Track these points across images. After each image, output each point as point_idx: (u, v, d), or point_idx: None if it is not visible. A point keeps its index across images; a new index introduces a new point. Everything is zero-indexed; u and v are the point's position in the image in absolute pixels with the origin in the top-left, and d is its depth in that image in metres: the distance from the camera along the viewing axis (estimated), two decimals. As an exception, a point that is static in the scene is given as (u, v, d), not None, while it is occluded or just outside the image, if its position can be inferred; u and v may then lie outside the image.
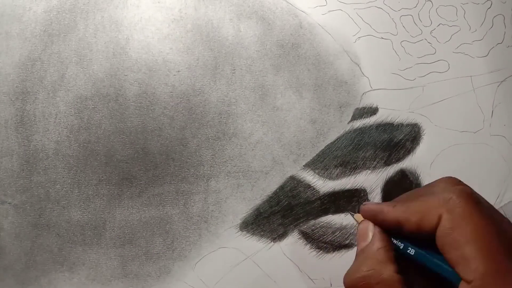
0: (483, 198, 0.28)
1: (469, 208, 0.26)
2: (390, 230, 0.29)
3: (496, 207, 0.39)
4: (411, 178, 0.38)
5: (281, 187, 0.37)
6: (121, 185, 0.36)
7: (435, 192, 0.28)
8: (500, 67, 0.41)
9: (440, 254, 0.26)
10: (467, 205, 0.26)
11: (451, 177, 0.29)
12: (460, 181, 0.29)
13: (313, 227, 0.37)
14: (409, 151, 0.39)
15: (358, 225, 0.31)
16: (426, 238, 0.27)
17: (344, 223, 0.37)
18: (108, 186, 0.36)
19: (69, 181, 0.36)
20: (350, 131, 0.38)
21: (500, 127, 0.40)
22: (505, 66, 0.41)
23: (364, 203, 0.32)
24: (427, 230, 0.27)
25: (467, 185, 0.28)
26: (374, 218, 0.30)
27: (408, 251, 0.28)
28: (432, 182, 0.29)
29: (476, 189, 0.37)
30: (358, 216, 0.31)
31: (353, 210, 0.37)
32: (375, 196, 0.38)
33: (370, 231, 0.30)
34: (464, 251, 0.25)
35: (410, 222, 0.27)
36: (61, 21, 0.37)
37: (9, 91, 0.36)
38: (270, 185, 0.37)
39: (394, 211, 0.28)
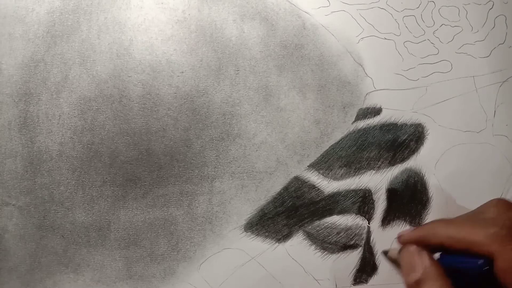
0: None
1: None
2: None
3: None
4: (416, 178, 0.38)
5: (286, 188, 0.37)
6: (125, 187, 0.36)
7: (485, 219, 0.27)
8: (502, 67, 0.41)
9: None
10: None
11: (501, 200, 0.28)
12: (510, 205, 0.28)
13: (318, 228, 0.37)
14: (413, 151, 0.39)
15: (403, 252, 0.29)
16: None
17: (349, 224, 0.37)
18: (112, 188, 0.36)
19: (73, 182, 0.36)
20: (354, 132, 0.38)
21: (502, 127, 0.40)
22: (507, 66, 0.41)
23: (399, 235, 0.30)
24: (478, 256, 0.26)
25: None
26: (416, 243, 0.28)
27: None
28: (482, 206, 0.29)
29: (479, 188, 0.37)
30: (393, 252, 0.30)
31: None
32: (380, 197, 0.38)
33: (418, 260, 0.28)
34: None
35: (456, 249, 0.27)
36: (64, 22, 0.37)
37: (12, 92, 0.36)
38: (275, 185, 0.37)
39: (438, 237, 0.27)
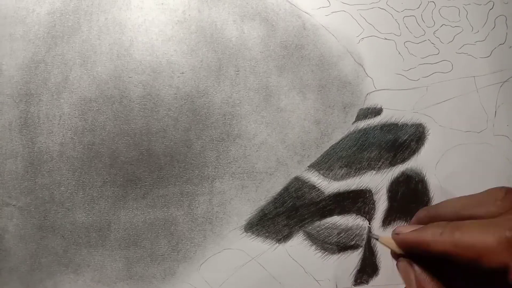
0: None
1: None
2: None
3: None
4: (416, 179, 0.38)
5: (286, 188, 0.37)
6: (126, 187, 0.36)
7: (494, 218, 0.24)
8: (503, 67, 0.41)
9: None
10: None
11: (506, 190, 0.25)
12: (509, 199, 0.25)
13: (318, 228, 0.37)
14: (414, 151, 0.39)
15: (399, 266, 0.27)
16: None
17: (350, 225, 0.37)
18: (112, 188, 0.36)
19: (74, 183, 0.36)
20: (355, 132, 0.38)
21: (503, 127, 0.40)
22: (507, 66, 0.41)
23: (396, 230, 0.27)
24: (485, 269, 0.23)
25: None
26: (414, 249, 0.26)
27: None
28: (485, 196, 0.25)
29: (480, 189, 0.37)
30: (387, 240, 0.28)
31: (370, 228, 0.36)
32: (381, 197, 0.38)
33: (412, 274, 0.26)
34: None
35: (463, 258, 0.23)
36: (64, 23, 0.37)
37: (13, 93, 0.36)
38: (275, 186, 0.37)
39: (442, 243, 0.24)
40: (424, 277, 0.26)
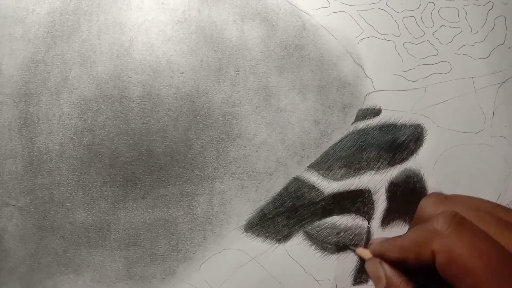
0: (466, 209, 0.28)
1: (457, 235, 0.26)
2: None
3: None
4: (415, 179, 0.39)
5: (286, 188, 0.37)
6: (126, 187, 0.36)
7: (423, 221, 0.28)
8: (501, 68, 0.41)
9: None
10: (454, 231, 0.26)
11: (432, 195, 0.30)
12: (442, 198, 0.30)
13: (318, 228, 0.37)
14: (412, 151, 0.39)
15: (367, 265, 0.32)
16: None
17: (349, 224, 0.37)
18: (112, 188, 0.36)
19: (73, 183, 0.36)
20: (354, 132, 0.39)
21: (501, 128, 0.40)
22: (506, 67, 0.41)
23: (370, 242, 0.33)
24: (428, 264, 0.27)
25: (450, 200, 0.29)
26: (381, 258, 0.31)
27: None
28: (419, 206, 0.31)
29: (478, 189, 0.37)
30: (363, 252, 0.33)
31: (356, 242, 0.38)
32: (380, 197, 0.38)
33: (381, 271, 0.30)
34: (467, 280, 0.25)
35: (411, 259, 0.28)
36: (64, 22, 0.37)
37: (12, 93, 0.36)
38: (275, 186, 0.37)
39: (394, 251, 0.29)
40: (393, 273, 0.29)
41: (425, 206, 0.30)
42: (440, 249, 0.26)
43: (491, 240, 0.26)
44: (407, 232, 0.30)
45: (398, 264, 0.29)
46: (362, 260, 0.35)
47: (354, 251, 0.35)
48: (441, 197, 0.30)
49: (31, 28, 0.37)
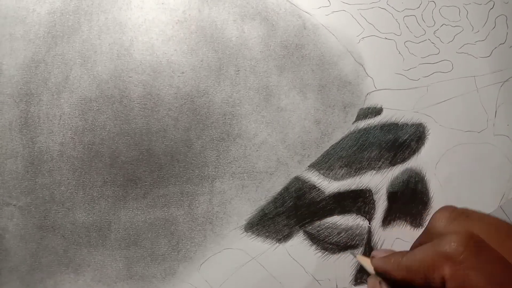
0: (482, 238, 0.24)
1: (473, 262, 0.23)
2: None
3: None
4: (416, 179, 0.38)
5: (286, 188, 0.37)
6: (126, 187, 0.36)
7: (434, 236, 0.26)
8: (503, 67, 0.41)
9: None
10: (469, 257, 0.23)
11: (446, 209, 0.27)
12: (456, 213, 0.27)
13: (319, 228, 0.37)
14: (414, 151, 0.39)
15: (368, 282, 0.30)
16: None
17: (350, 224, 0.37)
18: (113, 188, 0.36)
19: (74, 182, 0.36)
20: (355, 132, 0.38)
21: (503, 127, 0.40)
22: (507, 66, 0.41)
23: (373, 254, 0.30)
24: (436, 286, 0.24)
25: (466, 218, 0.26)
26: (383, 274, 0.28)
27: None
28: (431, 220, 0.27)
29: (480, 188, 0.37)
30: (364, 260, 0.31)
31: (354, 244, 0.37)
32: (381, 197, 0.38)
33: None
34: None
35: (417, 282, 0.25)
36: (65, 22, 0.37)
37: (13, 93, 0.36)
38: (275, 186, 0.37)
39: (400, 271, 0.26)
40: None
41: (437, 221, 0.27)
42: (452, 276, 0.23)
43: (506, 268, 0.23)
44: (415, 248, 0.27)
45: (403, 284, 0.27)
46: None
47: (354, 256, 0.35)
48: (456, 212, 0.27)
49: (31, 28, 0.37)
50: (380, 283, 0.29)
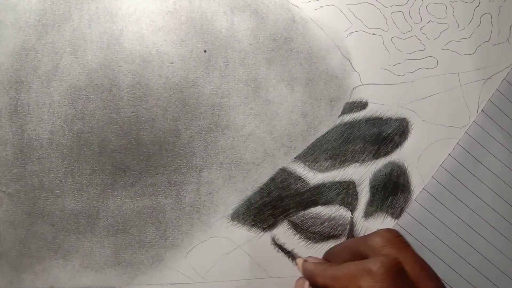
0: (405, 269, 0.26)
1: (387, 284, 0.25)
2: None
3: (479, 200, 0.41)
4: (398, 172, 0.39)
5: (272, 179, 0.38)
6: (115, 175, 0.37)
7: (365, 251, 0.28)
8: (486, 64, 0.42)
9: None
10: (387, 280, 0.25)
11: (392, 232, 0.29)
12: (397, 240, 0.28)
13: (303, 218, 0.38)
14: (397, 145, 0.40)
15: (296, 283, 0.33)
16: None
17: (333, 215, 0.38)
18: (101, 176, 0.37)
19: (63, 170, 0.36)
20: (340, 125, 0.39)
21: (485, 122, 0.41)
22: (491, 63, 0.42)
23: (306, 259, 0.33)
24: None
25: (401, 248, 0.27)
26: (309, 278, 0.31)
27: None
28: (373, 233, 0.29)
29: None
30: (300, 262, 0.34)
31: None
32: (363, 189, 0.39)
33: None
34: None
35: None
36: (55, 11, 0.37)
37: (3, 80, 0.36)
38: (262, 176, 0.38)
39: (323, 277, 0.29)
40: None
41: (378, 237, 0.28)
42: None
43: None
44: (341, 262, 0.29)
45: None
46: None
47: (294, 259, 0.37)
48: (398, 238, 0.28)
49: (22, 16, 0.37)
50: (306, 285, 0.32)
